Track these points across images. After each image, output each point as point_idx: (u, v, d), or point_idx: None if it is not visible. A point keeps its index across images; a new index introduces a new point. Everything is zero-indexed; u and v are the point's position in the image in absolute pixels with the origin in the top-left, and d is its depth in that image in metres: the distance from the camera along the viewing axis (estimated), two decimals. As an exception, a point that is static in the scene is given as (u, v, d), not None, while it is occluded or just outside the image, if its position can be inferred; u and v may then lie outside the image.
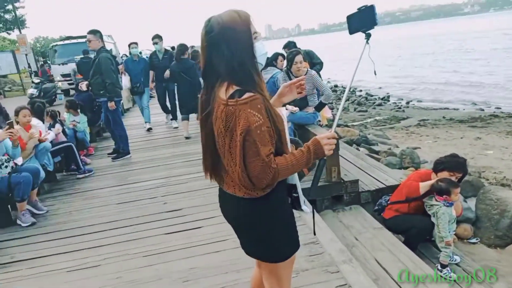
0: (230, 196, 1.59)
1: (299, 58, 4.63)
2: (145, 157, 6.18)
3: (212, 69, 1.50)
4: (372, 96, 18.22)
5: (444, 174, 3.46)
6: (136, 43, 7.92)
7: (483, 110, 13.22)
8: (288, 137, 1.59)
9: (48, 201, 4.65)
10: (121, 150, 6.32)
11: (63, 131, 5.94)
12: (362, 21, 2.00)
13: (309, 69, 4.76)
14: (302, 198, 1.73)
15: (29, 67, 19.50)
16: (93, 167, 5.81)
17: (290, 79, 4.79)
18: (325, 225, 3.27)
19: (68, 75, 14.29)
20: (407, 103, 15.87)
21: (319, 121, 5.20)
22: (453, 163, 3.48)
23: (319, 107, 4.81)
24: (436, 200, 3.36)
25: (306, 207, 1.73)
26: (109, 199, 4.47)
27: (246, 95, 1.42)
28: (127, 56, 12.67)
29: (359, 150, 7.07)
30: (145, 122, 8.20)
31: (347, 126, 11.25)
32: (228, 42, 1.45)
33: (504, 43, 33.25)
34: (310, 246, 2.96)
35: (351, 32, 2.05)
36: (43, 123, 5.59)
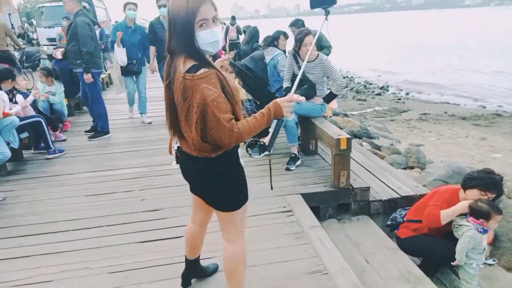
0: (188, 156, 1.80)
1: (309, 39, 3.96)
2: (126, 138, 5.51)
3: (171, 41, 1.67)
4: (371, 84, 17.64)
5: (474, 193, 2.90)
6: (135, 4, 5.82)
7: (485, 107, 12.79)
8: (240, 105, 1.75)
9: (8, 185, 4.00)
10: (99, 129, 5.64)
11: (33, 103, 5.22)
12: None
13: (320, 53, 4.10)
14: (240, 155, 1.89)
15: (12, 28, 18.27)
16: (66, 146, 5.13)
17: (297, 62, 4.14)
18: (333, 246, 2.70)
19: (54, 39, 13.30)
20: (407, 94, 15.36)
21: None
22: (488, 181, 2.91)
23: (329, 98, 4.18)
24: (468, 221, 2.81)
25: (243, 162, 1.90)
26: (78, 189, 3.83)
27: (202, 70, 1.58)
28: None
29: (362, 146, 6.51)
30: (141, 114, 6.26)
31: (346, 115, 10.68)
32: (175, 24, 1.62)
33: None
34: (316, 276, 2.39)
35: (312, 7, 2.19)
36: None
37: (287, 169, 4.04)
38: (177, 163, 1.95)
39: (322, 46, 5.37)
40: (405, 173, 5.57)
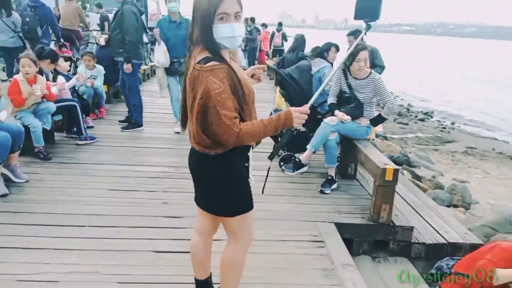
0: (192, 149, 1.77)
1: (364, 55, 3.63)
2: (158, 134, 5.37)
3: (193, 31, 1.66)
4: (413, 107, 16.93)
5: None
6: None
7: (538, 149, 11.87)
8: (253, 108, 1.74)
9: (34, 167, 3.91)
10: (133, 120, 5.53)
11: (73, 87, 5.19)
12: (368, 11, 2.11)
13: (373, 71, 3.76)
14: (251, 168, 1.84)
15: (57, 8, 18.91)
16: (98, 134, 5.04)
17: (346, 78, 3.82)
18: (368, 293, 2.35)
19: (100, 25, 13.57)
20: (452, 123, 14.56)
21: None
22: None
23: (377, 121, 3.83)
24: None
25: (252, 177, 1.85)
26: (102, 181, 3.68)
27: (211, 63, 1.57)
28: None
29: (403, 174, 6.06)
30: (177, 122, 5.48)
31: (386, 138, 10.17)
32: (195, 15, 1.64)
33: None
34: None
35: (355, 18, 2.14)
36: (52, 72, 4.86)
37: (322, 191, 3.72)
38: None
39: (375, 64, 5.02)
40: (449, 212, 5.12)
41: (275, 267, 2.52)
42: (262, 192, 1.88)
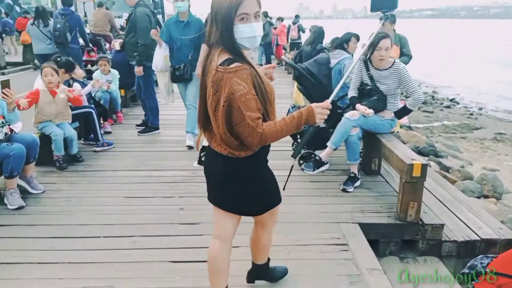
0: (216, 154, 1.74)
1: (385, 43, 3.42)
2: (175, 136, 5.30)
3: (211, 32, 1.65)
4: (438, 94, 16.35)
5: None
6: None
7: None
8: (274, 106, 1.74)
9: (52, 176, 3.91)
10: (150, 124, 5.50)
11: (88, 93, 5.19)
12: (384, 1, 2.07)
13: (396, 61, 3.55)
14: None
15: (85, 16, 19.23)
16: (115, 139, 5.02)
17: (368, 70, 3.62)
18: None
19: (122, 28, 13.73)
20: (480, 109, 13.96)
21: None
22: None
23: (402, 113, 3.62)
24: None
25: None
26: (118, 189, 3.63)
27: (235, 64, 1.58)
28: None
29: (430, 166, 5.80)
30: (187, 133, 4.92)
31: (410, 128, 9.82)
32: (216, 15, 1.61)
33: None
34: None
35: (372, 10, 2.09)
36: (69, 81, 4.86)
37: (344, 190, 3.56)
38: (200, 163, 1.96)
39: (403, 53, 4.78)
40: (478, 203, 4.85)
41: (295, 274, 2.38)
42: (283, 189, 1.90)
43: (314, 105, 1.68)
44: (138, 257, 2.55)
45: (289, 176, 1.95)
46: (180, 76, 4.67)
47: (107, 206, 3.28)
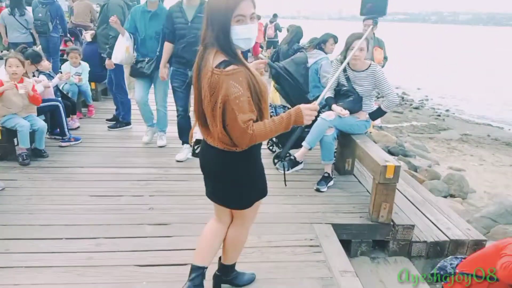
0: (212, 148, 1.79)
1: (358, 44, 3.41)
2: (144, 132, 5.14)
3: (206, 32, 1.67)
4: (408, 96, 16.79)
5: None
6: None
7: (533, 134, 11.80)
8: (268, 104, 1.79)
9: (13, 172, 3.69)
10: (121, 119, 5.31)
11: (56, 86, 4.95)
12: (375, 7, 2.24)
13: (373, 63, 3.55)
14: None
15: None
16: (83, 134, 4.81)
17: (345, 71, 3.61)
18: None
19: None
20: (447, 110, 14.45)
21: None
22: None
23: (376, 115, 3.63)
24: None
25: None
26: (84, 186, 3.47)
27: (231, 67, 1.60)
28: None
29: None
30: (159, 131, 4.63)
31: (381, 128, 10.01)
32: (212, 15, 1.63)
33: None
34: None
35: (361, 14, 2.26)
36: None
37: (318, 190, 3.54)
38: (194, 155, 2.01)
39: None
40: (446, 203, 4.98)
41: (267, 278, 2.33)
42: (285, 185, 2.08)
43: (302, 106, 1.71)
44: (102, 261, 2.42)
45: (284, 173, 2.12)
46: (138, 70, 4.24)
47: (71, 205, 3.12)
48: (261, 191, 1.95)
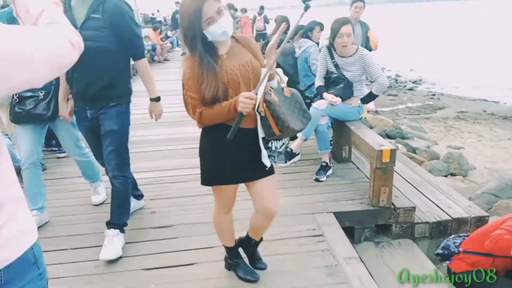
0: None
1: (346, 29, 3.41)
2: (145, 136, 5.13)
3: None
4: (401, 77, 16.78)
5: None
6: None
7: (529, 106, 11.82)
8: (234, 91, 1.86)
9: (12, 188, 3.68)
10: (115, 125, 5.27)
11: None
12: None
13: (360, 47, 3.55)
14: (263, 153, 1.94)
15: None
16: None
17: (332, 58, 3.61)
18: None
19: None
20: (441, 89, 14.44)
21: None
22: None
23: (368, 99, 3.64)
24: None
25: (267, 160, 1.97)
26: (84, 196, 3.46)
27: (188, 53, 1.88)
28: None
29: (397, 149, 5.92)
30: (91, 182, 3.33)
31: (377, 112, 10.02)
32: (185, 33, 1.81)
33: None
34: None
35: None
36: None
37: (317, 179, 3.56)
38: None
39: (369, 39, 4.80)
40: (446, 182, 5.01)
41: (274, 271, 2.35)
42: (227, 138, 1.81)
43: (241, 93, 1.78)
44: (108, 268, 2.44)
45: (235, 126, 1.81)
46: (27, 113, 2.78)
47: (73, 216, 3.13)
48: (205, 176, 2.02)
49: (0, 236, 0.88)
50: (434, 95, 13.38)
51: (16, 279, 0.92)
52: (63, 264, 2.49)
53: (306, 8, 1.77)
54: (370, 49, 4.86)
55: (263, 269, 2.35)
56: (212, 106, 1.82)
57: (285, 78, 2.13)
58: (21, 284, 0.94)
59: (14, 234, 0.92)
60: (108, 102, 2.51)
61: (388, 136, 7.56)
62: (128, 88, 2.65)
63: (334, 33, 3.45)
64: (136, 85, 6.00)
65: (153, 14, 23.40)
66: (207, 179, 2.03)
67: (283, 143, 2.01)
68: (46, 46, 0.88)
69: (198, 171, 2.03)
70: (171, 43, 15.57)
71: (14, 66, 0.81)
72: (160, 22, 18.96)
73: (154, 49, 13.44)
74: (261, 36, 13.29)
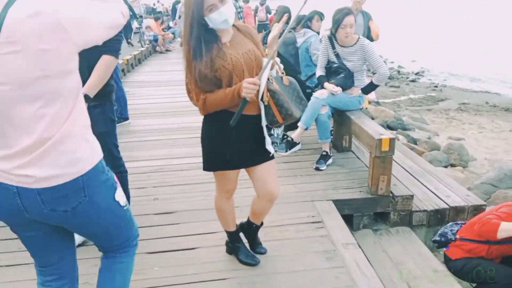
0: None
1: (349, 20, 3.43)
2: (146, 125, 5.20)
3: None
4: (404, 69, 16.73)
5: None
6: None
7: (531, 98, 11.81)
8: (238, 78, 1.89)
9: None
10: (118, 115, 5.34)
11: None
12: None
13: (361, 37, 3.57)
14: (267, 140, 2.00)
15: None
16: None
17: (333, 48, 3.64)
18: (373, 273, 2.27)
19: None
20: (444, 80, 14.41)
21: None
22: None
23: (368, 89, 3.67)
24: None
25: (271, 147, 2.05)
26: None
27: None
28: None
29: (398, 140, 5.95)
30: None
31: (378, 104, 10.03)
32: (188, 19, 1.83)
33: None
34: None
35: None
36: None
37: (317, 168, 3.61)
38: None
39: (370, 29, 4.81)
40: (446, 172, 5.05)
41: (273, 255, 2.42)
42: (230, 125, 1.85)
43: (245, 80, 1.81)
44: (114, 251, 2.51)
45: (238, 112, 1.86)
46: None
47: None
48: (207, 162, 2.07)
49: (78, 154, 1.31)
50: (436, 86, 13.36)
51: (92, 182, 1.35)
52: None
53: None
54: (371, 39, 4.87)
55: (263, 253, 2.42)
56: (216, 92, 1.85)
57: (281, 66, 2.16)
58: (96, 185, 1.37)
59: (87, 151, 1.34)
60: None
61: (389, 127, 7.59)
62: (110, 85, 2.50)
63: (337, 24, 3.46)
64: (139, 75, 6.02)
65: (154, 4, 23.34)
66: (209, 165, 2.07)
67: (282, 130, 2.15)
68: (106, 17, 1.34)
69: (201, 159, 2.09)
70: (173, 33, 15.54)
71: (85, 28, 1.26)
72: (161, 12, 18.90)
73: (156, 39, 13.44)
74: (263, 26, 13.24)
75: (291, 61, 4.13)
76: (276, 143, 1.86)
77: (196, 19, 1.79)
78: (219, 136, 1.98)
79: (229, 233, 2.36)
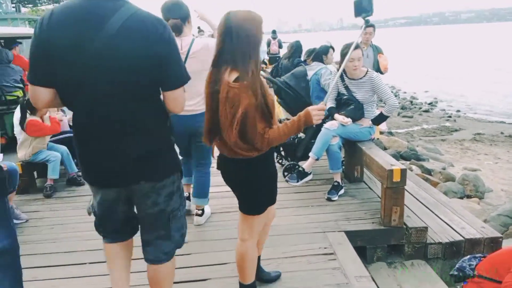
0: (231, 160, 1.96)
1: (357, 53, 3.53)
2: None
3: (222, 54, 1.83)
4: (417, 99, 16.75)
5: None
6: None
7: (547, 129, 11.62)
8: (275, 112, 1.93)
9: (34, 204, 3.84)
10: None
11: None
12: (363, 8, 2.23)
13: (370, 70, 3.65)
14: None
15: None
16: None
17: (343, 80, 3.72)
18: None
19: None
20: (457, 111, 14.34)
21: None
22: None
23: (379, 120, 3.71)
24: None
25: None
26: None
27: (246, 81, 1.77)
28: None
29: (411, 170, 5.91)
30: None
31: (391, 134, 10.01)
32: (240, 39, 1.77)
33: None
34: None
35: (355, 15, 2.25)
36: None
37: (329, 199, 3.60)
38: (218, 168, 2.08)
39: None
40: (461, 204, 4.96)
41: None
42: (296, 156, 2.13)
43: (310, 107, 1.89)
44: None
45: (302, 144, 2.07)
46: None
47: (93, 231, 3.18)
48: (273, 196, 2.08)
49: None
50: (450, 116, 13.31)
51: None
52: (82, 278, 2.59)
53: (367, 23, 2.04)
54: (381, 72, 4.95)
55: (271, 277, 2.44)
56: (276, 128, 1.85)
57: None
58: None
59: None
60: None
61: (402, 157, 7.55)
62: None
63: (344, 58, 3.55)
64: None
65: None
66: (266, 204, 2.07)
67: None
68: None
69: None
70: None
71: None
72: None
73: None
74: (275, 59, 13.57)
75: (302, 93, 4.22)
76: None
77: (256, 46, 1.85)
78: (274, 171, 2.06)
79: (249, 286, 2.20)
